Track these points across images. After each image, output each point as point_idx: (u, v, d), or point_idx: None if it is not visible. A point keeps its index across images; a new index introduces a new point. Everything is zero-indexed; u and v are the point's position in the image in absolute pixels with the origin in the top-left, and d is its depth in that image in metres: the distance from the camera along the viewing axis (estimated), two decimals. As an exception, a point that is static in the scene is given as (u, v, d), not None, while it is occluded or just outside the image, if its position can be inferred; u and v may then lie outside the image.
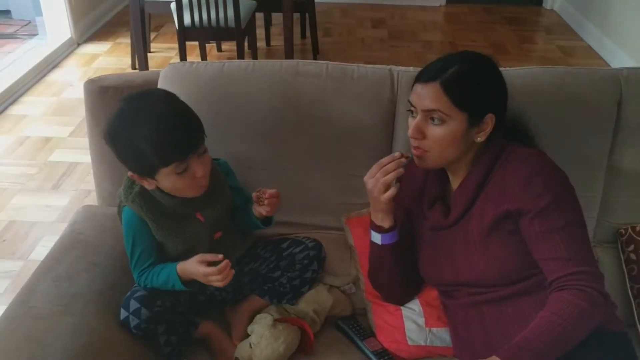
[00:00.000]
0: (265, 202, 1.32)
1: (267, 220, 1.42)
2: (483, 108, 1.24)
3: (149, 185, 1.27)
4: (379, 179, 1.27)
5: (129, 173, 1.28)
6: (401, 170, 1.26)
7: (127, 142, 1.20)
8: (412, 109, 1.26)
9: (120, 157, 1.25)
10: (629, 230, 1.52)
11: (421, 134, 1.24)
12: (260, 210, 1.35)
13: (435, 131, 1.23)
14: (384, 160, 1.28)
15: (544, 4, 5.34)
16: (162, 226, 1.32)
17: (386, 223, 1.35)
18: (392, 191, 1.28)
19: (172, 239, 1.34)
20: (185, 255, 1.31)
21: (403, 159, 1.27)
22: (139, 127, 1.19)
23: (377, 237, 1.37)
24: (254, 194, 1.34)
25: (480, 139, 1.26)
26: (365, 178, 1.31)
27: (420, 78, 1.26)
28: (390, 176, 1.26)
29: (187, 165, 1.22)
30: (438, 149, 1.25)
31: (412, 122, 1.25)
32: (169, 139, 1.19)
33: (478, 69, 1.26)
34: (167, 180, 1.24)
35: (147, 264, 1.34)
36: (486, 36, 4.67)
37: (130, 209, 1.31)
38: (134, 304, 1.30)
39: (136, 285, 1.36)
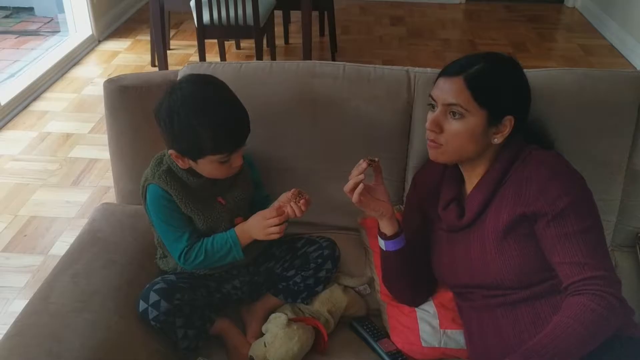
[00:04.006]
0: (301, 202, 1.33)
1: None
2: (503, 108, 1.24)
3: (182, 164, 1.33)
4: (348, 190, 1.27)
5: (170, 150, 1.32)
6: (361, 176, 1.25)
7: (188, 124, 1.25)
8: (433, 102, 1.27)
9: (171, 134, 1.28)
10: (648, 234, 1.50)
11: (438, 127, 1.25)
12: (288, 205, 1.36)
13: (453, 125, 1.24)
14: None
15: (565, 2, 5.26)
16: (186, 203, 1.36)
17: (388, 230, 1.35)
18: (357, 190, 1.26)
19: (196, 214, 1.37)
20: (207, 235, 1.39)
21: (364, 165, 1.25)
22: (204, 113, 1.25)
23: (381, 243, 1.37)
24: (294, 189, 1.35)
25: (497, 140, 1.25)
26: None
27: (444, 72, 1.27)
28: (350, 182, 1.26)
29: (231, 155, 1.30)
30: (453, 144, 1.25)
31: (431, 116, 1.26)
32: (229, 132, 1.28)
33: (503, 69, 1.26)
34: (208, 165, 1.30)
35: (186, 240, 1.36)
36: (506, 34, 4.62)
37: (156, 185, 1.34)
38: (153, 296, 1.31)
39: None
